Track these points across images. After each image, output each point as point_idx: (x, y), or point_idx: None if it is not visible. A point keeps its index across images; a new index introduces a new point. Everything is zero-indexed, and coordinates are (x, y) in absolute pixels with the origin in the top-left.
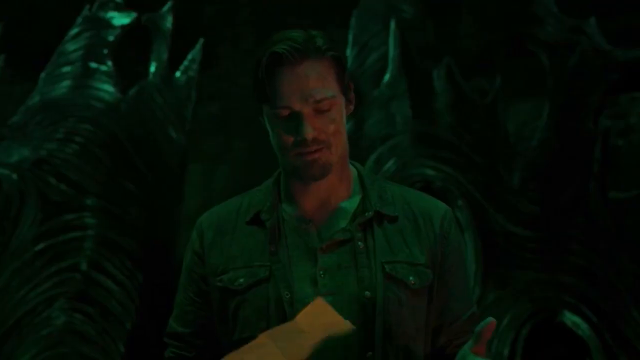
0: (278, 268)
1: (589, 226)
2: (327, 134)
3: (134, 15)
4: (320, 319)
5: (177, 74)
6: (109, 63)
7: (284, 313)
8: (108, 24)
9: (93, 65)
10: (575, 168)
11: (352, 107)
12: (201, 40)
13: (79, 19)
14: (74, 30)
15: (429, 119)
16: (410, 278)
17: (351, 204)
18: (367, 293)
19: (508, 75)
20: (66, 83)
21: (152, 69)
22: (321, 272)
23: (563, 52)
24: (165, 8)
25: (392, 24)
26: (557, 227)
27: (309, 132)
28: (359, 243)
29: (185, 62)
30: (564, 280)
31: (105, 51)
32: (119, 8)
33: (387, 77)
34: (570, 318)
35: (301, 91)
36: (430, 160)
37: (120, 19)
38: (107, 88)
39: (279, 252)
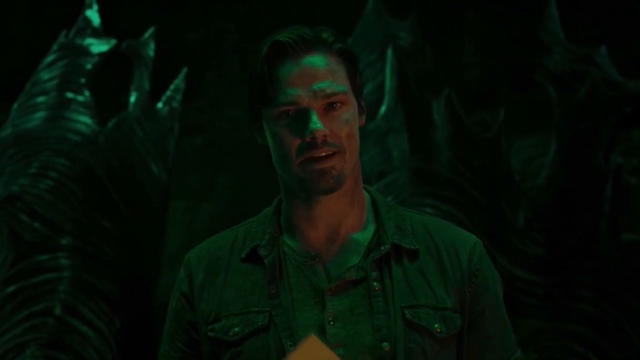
0: (279, 314)
1: (600, 270)
2: (339, 136)
3: (113, 42)
4: None
5: (159, 104)
6: (86, 93)
7: None
8: (85, 52)
9: (69, 95)
10: (585, 208)
11: (363, 119)
12: (185, 69)
13: (55, 46)
14: (49, 58)
15: (427, 154)
16: (436, 325)
17: (364, 236)
18: (385, 345)
19: (512, 108)
20: (40, 114)
21: (132, 99)
22: (330, 319)
23: (571, 83)
24: (147, 34)
25: (389, 53)
26: (565, 271)
27: (320, 129)
28: (374, 283)
29: (168, 92)
30: (572, 329)
31: (83, 80)
32: (97, 34)
33: (383, 109)
34: None
35: (309, 83)
36: (428, 199)
37: (98, 46)
38: (84, 120)
39: (280, 294)
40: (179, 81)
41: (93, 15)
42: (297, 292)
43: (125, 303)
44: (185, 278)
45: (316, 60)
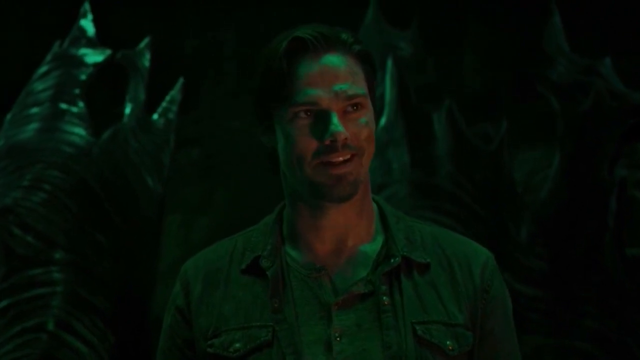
0: (283, 329)
1: (604, 285)
2: (359, 139)
3: (108, 52)
4: None
5: (155, 116)
6: (81, 104)
7: None
8: (80, 62)
9: (63, 106)
10: (589, 221)
11: (375, 126)
12: (181, 80)
13: (48, 56)
14: (43, 69)
15: (428, 166)
16: (448, 343)
17: (372, 248)
18: None
19: (515, 120)
20: (33, 125)
21: (128, 110)
22: (337, 335)
23: (575, 95)
24: (142, 44)
25: (389, 63)
26: (568, 286)
27: (341, 132)
28: (384, 298)
29: (164, 103)
30: (576, 345)
31: (77, 91)
32: (91, 44)
33: (383, 120)
34: None
35: (330, 84)
36: (429, 212)
37: (93, 57)
38: (78, 131)
39: (283, 308)
40: (175, 92)
41: (87, 25)
42: (301, 306)
43: (120, 318)
44: (182, 291)
45: (337, 60)
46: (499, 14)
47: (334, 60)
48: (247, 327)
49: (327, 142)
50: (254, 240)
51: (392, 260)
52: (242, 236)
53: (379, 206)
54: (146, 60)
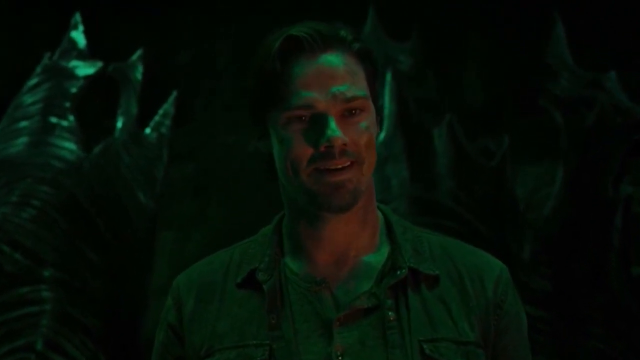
0: (281, 347)
1: (609, 306)
2: (358, 145)
3: (99, 64)
4: None
5: (147, 130)
6: (71, 118)
7: None
8: (70, 74)
9: (53, 120)
10: (593, 240)
11: (379, 130)
12: (174, 93)
13: (38, 68)
14: (33, 81)
15: (428, 182)
16: None
17: (377, 259)
18: None
19: (517, 135)
20: (23, 139)
21: (119, 124)
22: (338, 353)
23: (579, 109)
24: (135, 56)
25: (388, 76)
26: (573, 306)
27: (338, 137)
28: (389, 313)
29: (157, 117)
30: None
31: (67, 104)
32: (82, 56)
33: (382, 135)
34: None
35: (327, 85)
36: (428, 229)
37: (84, 69)
38: (69, 145)
39: (281, 325)
40: (168, 105)
41: (78, 36)
42: (300, 322)
43: (111, 338)
44: (173, 307)
45: (334, 60)
46: (500, 26)
47: (331, 59)
48: (242, 346)
49: (323, 148)
50: (251, 252)
51: (398, 272)
52: (239, 248)
53: (384, 215)
54: (139, 73)
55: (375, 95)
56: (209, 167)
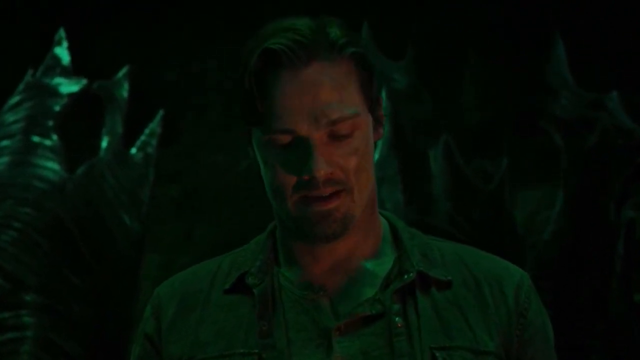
0: (271, 357)
1: (610, 333)
2: (346, 171)
3: (84, 82)
4: None
5: (133, 150)
6: (54, 137)
7: None
8: (54, 92)
9: (36, 139)
10: (594, 265)
11: (382, 131)
12: (161, 112)
13: (20, 86)
14: (14, 99)
15: (423, 205)
16: None
17: (382, 266)
18: None
19: (516, 157)
20: (4, 159)
21: (104, 144)
22: None
23: (580, 131)
24: (120, 74)
25: (383, 96)
26: (573, 334)
27: (320, 168)
28: (396, 319)
29: (143, 137)
30: None
31: (50, 123)
32: (66, 73)
33: (376, 156)
34: None
35: (309, 107)
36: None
37: (68, 86)
38: (52, 166)
39: (273, 332)
40: (154, 125)
41: (62, 52)
42: (295, 330)
43: None
44: (152, 316)
45: (318, 75)
46: (499, 44)
47: (314, 75)
48: (228, 355)
49: (306, 177)
50: (241, 260)
51: (406, 277)
52: (228, 257)
53: (388, 221)
54: (124, 91)
55: (373, 103)
56: (196, 188)
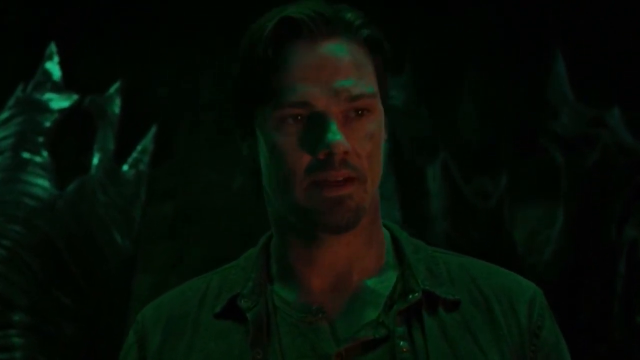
0: None
1: (612, 356)
2: (360, 157)
3: (75, 97)
4: None
5: (125, 167)
6: (45, 153)
7: None
8: (44, 108)
9: (26, 155)
10: (595, 286)
11: (385, 135)
12: (153, 128)
13: (10, 101)
14: (4, 115)
15: (421, 224)
16: None
17: (384, 284)
18: None
19: (515, 175)
20: None
21: (95, 161)
22: None
23: (581, 148)
24: (112, 89)
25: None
26: (574, 356)
27: (341, 142)
28: (401, 343)
29: (135, 154)
30: None
31: (41, 139)
32: (57, 89)
33: None
34: None
35: (329, 79)
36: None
37: (58, 102)
38: (42, 183)
39: None
40: (147, 141)
41: (53, 67)
42: (292, 358)
43: None
44: (135, 344)
45: (339, 49)
46: (498, 60)
47: (335, 48)
48: None
49: (322, 155)
50: (232, 279)
51: (410, 297)
52: (217, 274)
53: (391, 234)
54: (116, 107)
55: (385, 93)
56: (189, 206)
